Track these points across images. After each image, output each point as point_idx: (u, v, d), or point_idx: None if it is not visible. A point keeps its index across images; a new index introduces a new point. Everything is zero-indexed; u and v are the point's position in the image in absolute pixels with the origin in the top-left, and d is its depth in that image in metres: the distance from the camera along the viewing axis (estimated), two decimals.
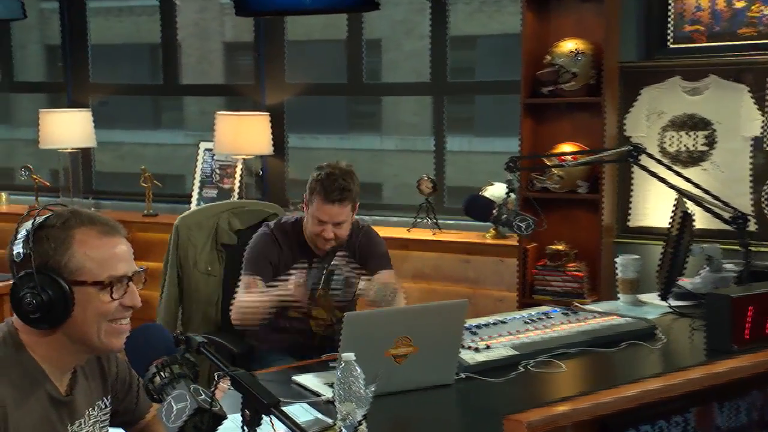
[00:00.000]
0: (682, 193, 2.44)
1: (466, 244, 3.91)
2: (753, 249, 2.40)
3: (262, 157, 4.49)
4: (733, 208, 2.39)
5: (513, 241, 3.72)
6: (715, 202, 2.41)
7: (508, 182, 2.56)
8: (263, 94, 4.56)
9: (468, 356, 2.06)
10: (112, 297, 1.42)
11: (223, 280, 2.96)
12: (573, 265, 3.52)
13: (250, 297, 2.54)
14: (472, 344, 2.14)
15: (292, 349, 2.64)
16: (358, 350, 1.63)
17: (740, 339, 2.13)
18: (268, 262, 2.61)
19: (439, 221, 4.06)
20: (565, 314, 2.46)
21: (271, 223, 2.72)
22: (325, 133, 9.26)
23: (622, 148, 2.51)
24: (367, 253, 2.70)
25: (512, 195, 2.56)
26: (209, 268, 2.94)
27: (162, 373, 1.27)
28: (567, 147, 3.53)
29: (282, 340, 2.69)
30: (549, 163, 3.49)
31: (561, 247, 3.54)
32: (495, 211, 2.51)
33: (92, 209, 4.69)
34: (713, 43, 3.44)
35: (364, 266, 2.64)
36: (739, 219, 2.33)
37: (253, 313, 2.52)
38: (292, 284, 2.39)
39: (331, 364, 2.09)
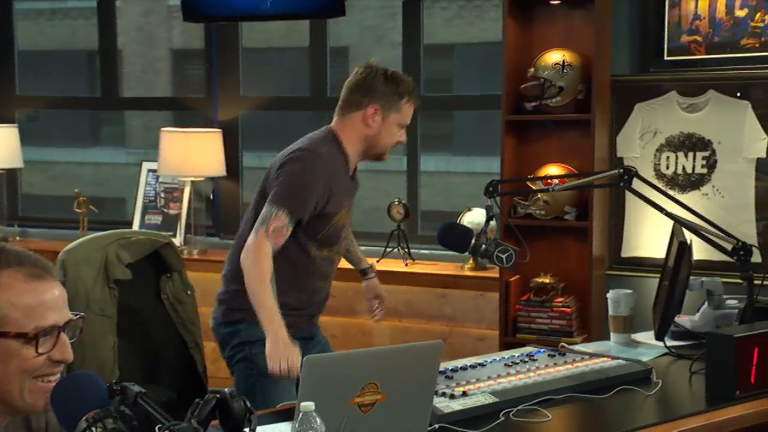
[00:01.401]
0: (678, 221, 2.48)
1: (442, 277, 3.93)
2: (758, 283, 2.43)
3: (213, 179, 4.48)
4: (734, 237, 2.44)
5: (494, 273, 3.74)
6: (716, 231, 2.45)
7: (488, 208, 2.59)
8: (215, 108, 4.56)
9: (442, 404, 2.07)
10: (37, 351, 1.40)
11: (118, 320, 2.95)
12: (560, 300, 3.55)
13: (266, 290, 2.40)
14: (447, 391, 2.15)
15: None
16: (319, 398, 1.63)
17: (744, 384, 2.16)
18: (313, 201, 2.50)
19: (412, 251, 4.08)
20: (551, 356, 2.48)
21: (319, 147, 2.56)
22: None
23: (612, 171, 2.55)
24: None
25: (492, 222, 2.58)
26: (102, 308, 2.92)
27: (93, 429, 1.26)
28: (553, 169, 3.57)
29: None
30: (533, 187, 3.53)
31: (547, 280, 3.57)
32: (473, 241, 2.54)
33: (17, 238, 4.66)
34: (713, 55, 3.51)
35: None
36: (741, 250, 2.37)
37: (250, 285, 2.43)
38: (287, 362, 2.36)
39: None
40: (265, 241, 2.44)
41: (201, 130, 4.33)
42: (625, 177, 2.49)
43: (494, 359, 2.45)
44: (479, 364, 2.39)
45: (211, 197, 4.56)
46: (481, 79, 8.32)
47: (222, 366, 2.78)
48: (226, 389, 2.01)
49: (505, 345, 3.47)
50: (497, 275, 3.64)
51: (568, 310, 3.51)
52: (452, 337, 3.82)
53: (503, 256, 2.53)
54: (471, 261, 3.93)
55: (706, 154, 3.54)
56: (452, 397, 2.12)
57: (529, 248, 2.68)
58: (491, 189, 2.58)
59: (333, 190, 2.55)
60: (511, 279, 3.60)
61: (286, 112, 5.12)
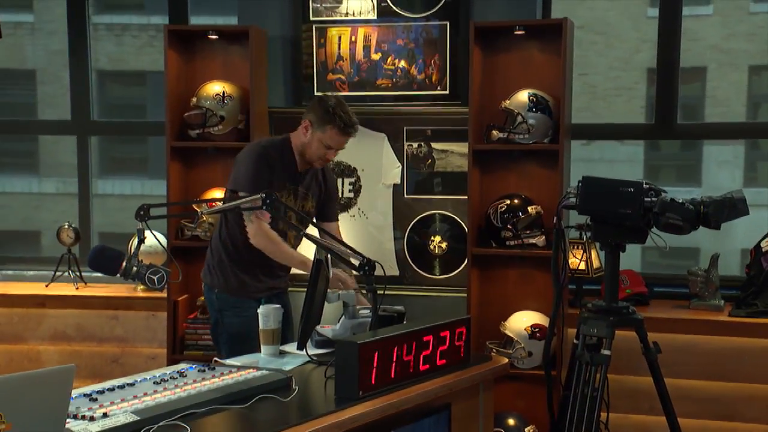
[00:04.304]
0: (313, 241, 2.56)
1: (113, 299, 3.77)
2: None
3: None
4: (361, 254, 2.56)
5: (165, 293, 3.64)
6: (345, 249, 2.56)
7: (138, 231, 2.50)
8: None
9: (80, 427, 1.95)
10: None
11: None
12: None
13: (283, 246, 2.91)
14: (88, 413, 2.03)
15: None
16: None
17: (366, 385, 2.26)
18: (266, 181, 2.91)
19: (85, 274, 3.87)
20: (201, 371, 2.44)
21: (263, 142, 3.06)
22: None
23: (257, 196, 2.58)
24: (333, 191, 3.21)
25: (144, 245, 2.50)
26: None
27: None
28: (218, 193, 3.56)
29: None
30: (198, 210, 3.48)
31: None
32: (124, 264, 2.44)
33: None
34: (355, 92, 3.70)
35: (324, 203, 3.13)
36: (366, 265, 2.50)
37: (274, 254, 2.91)
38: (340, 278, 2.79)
39: None
40: (267, 228, 2.95)
41: None
42: (267, 201, 2.53)
43: (144, 378, 2.36)
44: (128, 384, 2.29)
45: None
46: None
47: None
48: None
49: (173, 362, 3.39)
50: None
51: None
52: (124, 357, 3.67)
53: (154, 278, 2.47)
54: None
55: (353, 180, 3.72)
56: (92, 419, 2.00)
57: (194, 268, 2.63)
58: (141, 213, 2.50)
59: (271, 185, 2.92)
60: (180, 298, 3.53)
61: None
